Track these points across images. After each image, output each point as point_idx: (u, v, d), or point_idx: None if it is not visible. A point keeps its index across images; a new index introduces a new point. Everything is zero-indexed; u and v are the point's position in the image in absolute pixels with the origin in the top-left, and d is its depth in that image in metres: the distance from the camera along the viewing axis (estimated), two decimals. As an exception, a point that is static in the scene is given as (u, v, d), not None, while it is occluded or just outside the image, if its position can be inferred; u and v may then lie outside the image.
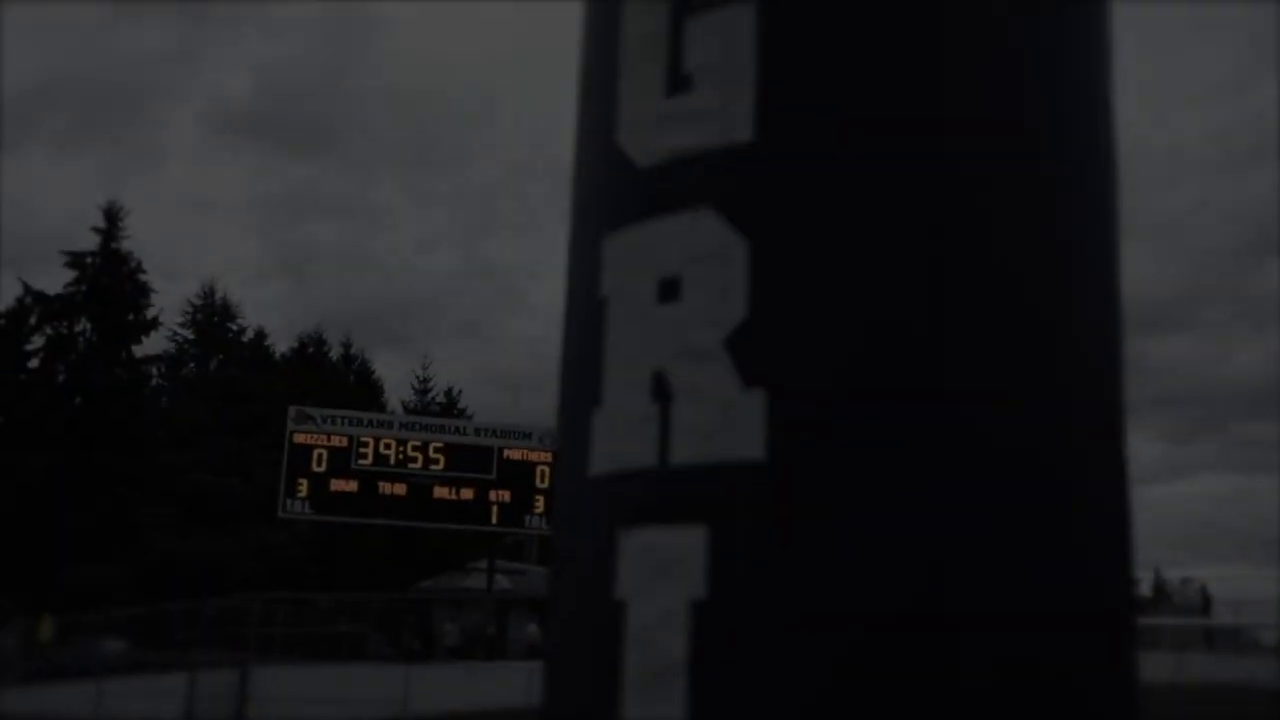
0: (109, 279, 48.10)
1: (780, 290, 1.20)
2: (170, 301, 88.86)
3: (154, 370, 50.01)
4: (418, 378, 61.28)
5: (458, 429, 37.08)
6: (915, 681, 1.12)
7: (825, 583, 1.14)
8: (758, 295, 1.20)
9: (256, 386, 47.76)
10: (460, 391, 61.80)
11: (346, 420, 35.82)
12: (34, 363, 49.75)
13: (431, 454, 35.14)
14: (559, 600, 1.35)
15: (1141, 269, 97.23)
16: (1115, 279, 1.40)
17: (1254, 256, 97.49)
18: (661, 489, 1.22)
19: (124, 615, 35.84)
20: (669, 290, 1.25)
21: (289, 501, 34.48)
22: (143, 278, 49.14)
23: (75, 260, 48.05)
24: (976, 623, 1.16)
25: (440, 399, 59.29)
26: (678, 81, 1.30)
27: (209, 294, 50.52)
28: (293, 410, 35.46)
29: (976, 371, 1.21)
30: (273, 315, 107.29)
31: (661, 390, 1.24)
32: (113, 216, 48.91)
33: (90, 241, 48.47)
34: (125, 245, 48.91)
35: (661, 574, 1.20)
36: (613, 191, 1.36)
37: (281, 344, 57.39)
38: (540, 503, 35.81)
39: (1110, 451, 1.34)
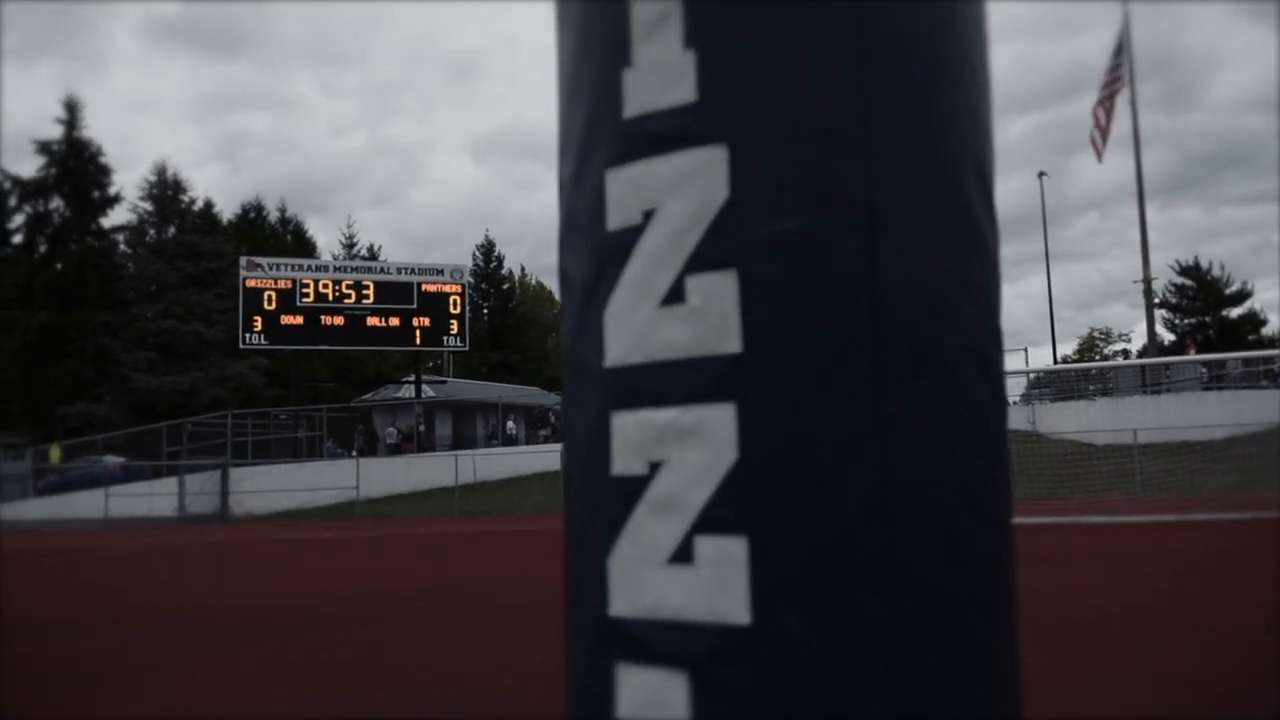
0: (75, 161, 45.71)
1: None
2: (128, 181, 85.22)
3: (121, 238, 47.91)
4: (344, 234, 59.95)
5: (383, 269, 36.51)
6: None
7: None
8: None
9: (210, 246, 46.19)
10: (380, 247, 60.65)
11: (289, 266, 35.13)
12: (18, 238, 47.53)
13: (363, 290, 34.75)
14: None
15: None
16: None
17: (998, 118, 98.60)
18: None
19: (118, 437, 35.24)
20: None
21: (247, 336, 33.93)
22: (103, 160, 46.77)
23: (44, 148, 45.48)
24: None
25: (364, 254, 58.04)
26: None
27: (161, 172, 48.24)
28: (244, 260, 34.59)
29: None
30: (215, 194, 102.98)
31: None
32: (72, 109, 46.30)
33: (55, 132, 45.94)
34: (85, 134, 46.44)
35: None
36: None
37: (227, 212, 55.48)
38: (454, 326, 35.70)
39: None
